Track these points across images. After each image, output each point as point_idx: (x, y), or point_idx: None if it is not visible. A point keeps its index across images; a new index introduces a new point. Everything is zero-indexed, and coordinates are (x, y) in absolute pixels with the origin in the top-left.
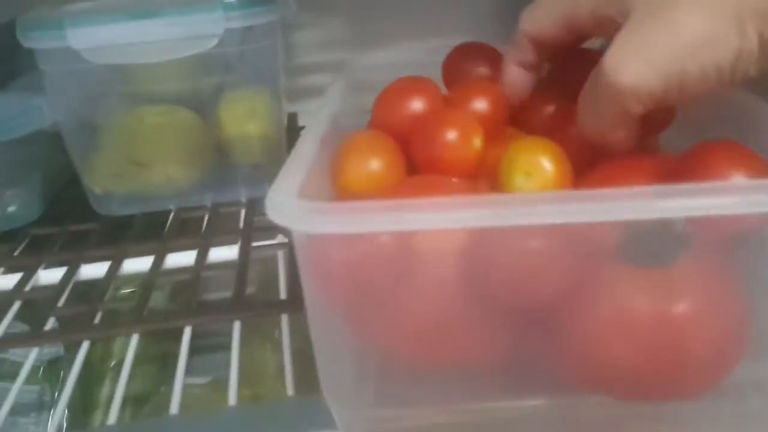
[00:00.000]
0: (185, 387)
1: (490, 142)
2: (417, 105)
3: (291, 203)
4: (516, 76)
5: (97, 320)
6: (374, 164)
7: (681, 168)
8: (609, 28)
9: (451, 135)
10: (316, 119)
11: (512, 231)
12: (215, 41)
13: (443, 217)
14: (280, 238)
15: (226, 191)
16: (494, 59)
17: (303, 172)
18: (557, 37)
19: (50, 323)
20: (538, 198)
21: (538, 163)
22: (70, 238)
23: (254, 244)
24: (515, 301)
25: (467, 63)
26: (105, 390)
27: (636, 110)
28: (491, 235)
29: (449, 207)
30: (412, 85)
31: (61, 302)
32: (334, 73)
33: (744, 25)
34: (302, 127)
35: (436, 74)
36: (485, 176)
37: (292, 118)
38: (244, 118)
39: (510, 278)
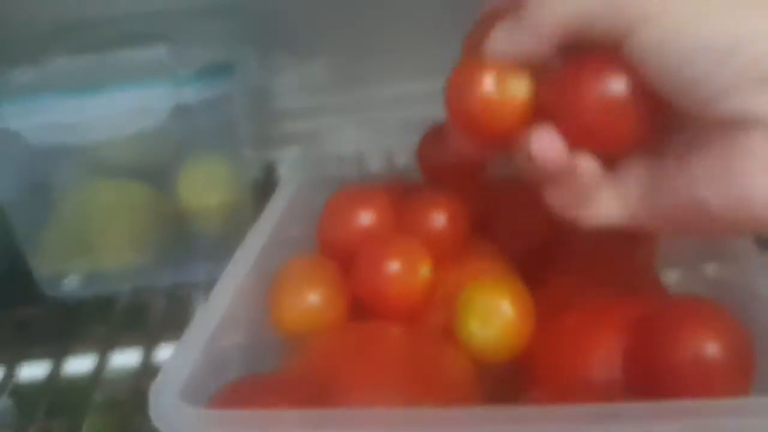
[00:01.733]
0: None
1: (446, 262)
2: (362, 222)
3: (176, 409)
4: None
5: None
6: (310, 299)
7: (651, 330)
8: None
9: (393, 266)
10: (251, 239)
11: None
12: (164, 116)
13: None
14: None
15: (184, 269)
16: None
17: (197, 351)
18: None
19: None
20: (454, 416)
21: (496, 308)
22: (11, 327)
23: None
24: None
25: (444, 147)
26: None
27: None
28: None
29: (365, 423)
30: (357, 198)
31: None
32: (315, 117)
33: None
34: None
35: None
36: (441, 305)
37: (271, 168)
38: (203, 189)
39: None
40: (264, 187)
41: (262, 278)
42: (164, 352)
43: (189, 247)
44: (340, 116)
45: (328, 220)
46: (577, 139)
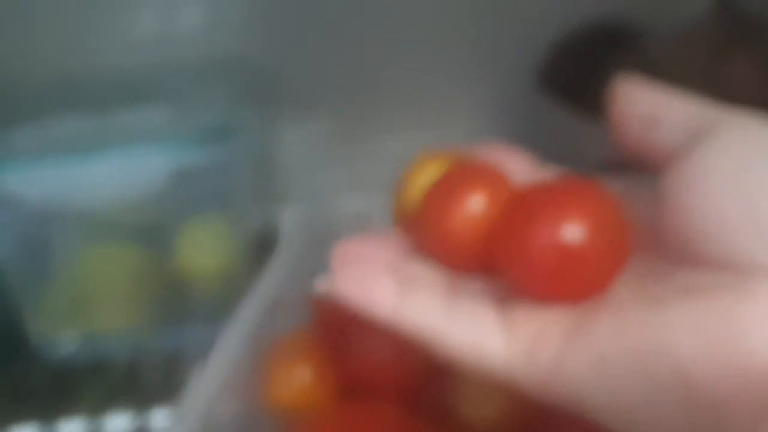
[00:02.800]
0: None
1: None
2: None
3: None
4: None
5: None
6: (302, 377)
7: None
8: None
9: (387, 342)
10: (249, 304)
11: None
12: (165, 180)
13: None
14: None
15: (182, 332)
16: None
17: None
18: None
19: None
20: None
21: (490, 386)
22: (5, 389)
23: None
24: None
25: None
26: None
27: None
28: None
29: None
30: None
31: None
32: (318, 174)
33: None
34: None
35: None
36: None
37: (272, 226)
38: (202, 251)
39: None
40: (264, 245)
41: (259, 345)
42: (159, 417)
43: (187, 310)
44: (344, 172)
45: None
46: (521, 281)
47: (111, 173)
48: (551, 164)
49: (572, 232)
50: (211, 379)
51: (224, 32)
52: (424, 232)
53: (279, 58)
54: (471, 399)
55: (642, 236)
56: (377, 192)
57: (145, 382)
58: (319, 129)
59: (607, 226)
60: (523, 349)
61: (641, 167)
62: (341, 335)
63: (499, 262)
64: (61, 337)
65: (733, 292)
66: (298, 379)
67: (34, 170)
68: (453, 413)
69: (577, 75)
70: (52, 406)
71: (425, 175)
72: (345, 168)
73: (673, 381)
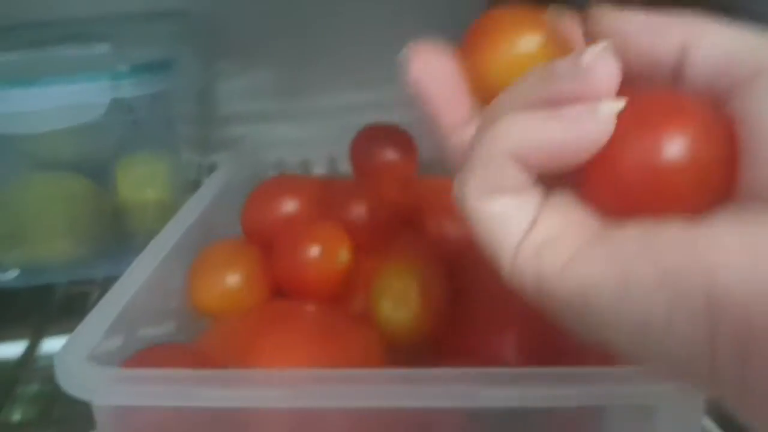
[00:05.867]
0: None
1: (369, 251)
2: (286, 209)
3: (82, 369)
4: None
5: None
6: (230, 280)
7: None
8: None
9: (312, 250)
10: (177, 222)
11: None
12: (101, 111)
13: (255, 395)
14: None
15: (121, 263)
16: (403, 143)
17: (109, 318)
18: None
19: None
20: (330, 377)
21: (407, 291)
22: None
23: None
24: None
25: (375, 147)
26: None
27: None
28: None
29: (263, 382)
30: (283, 185)
31: None
32: (260, 123)
33: None
34: None
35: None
36: (361, 291)
37: (213, 169)
38: (141, 184)
39: None
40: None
41: (183, 258)
42: None
43: (126, 241)
44: (284, 123)
45: (253, 205)
46: (601, 195)
47: (48, 102)
48: None
49: (670, 147)
50: (132, 281)
51: None
52: None
53: (226, 10)
54: (389, 304)
55: None
56: (318, 140)
57: (85, 308)
58: (262, 79)
59: (709, 146)
60: (536, 242)
61: None
62: (271, 247)
63: (584, 174)
64: (2, 265)
65: None
66: (224, 284)
67: None
68: (372, 316)
69: None
70: None
71: (513, 44)
72: (286, 117)
73: (704, 305)
